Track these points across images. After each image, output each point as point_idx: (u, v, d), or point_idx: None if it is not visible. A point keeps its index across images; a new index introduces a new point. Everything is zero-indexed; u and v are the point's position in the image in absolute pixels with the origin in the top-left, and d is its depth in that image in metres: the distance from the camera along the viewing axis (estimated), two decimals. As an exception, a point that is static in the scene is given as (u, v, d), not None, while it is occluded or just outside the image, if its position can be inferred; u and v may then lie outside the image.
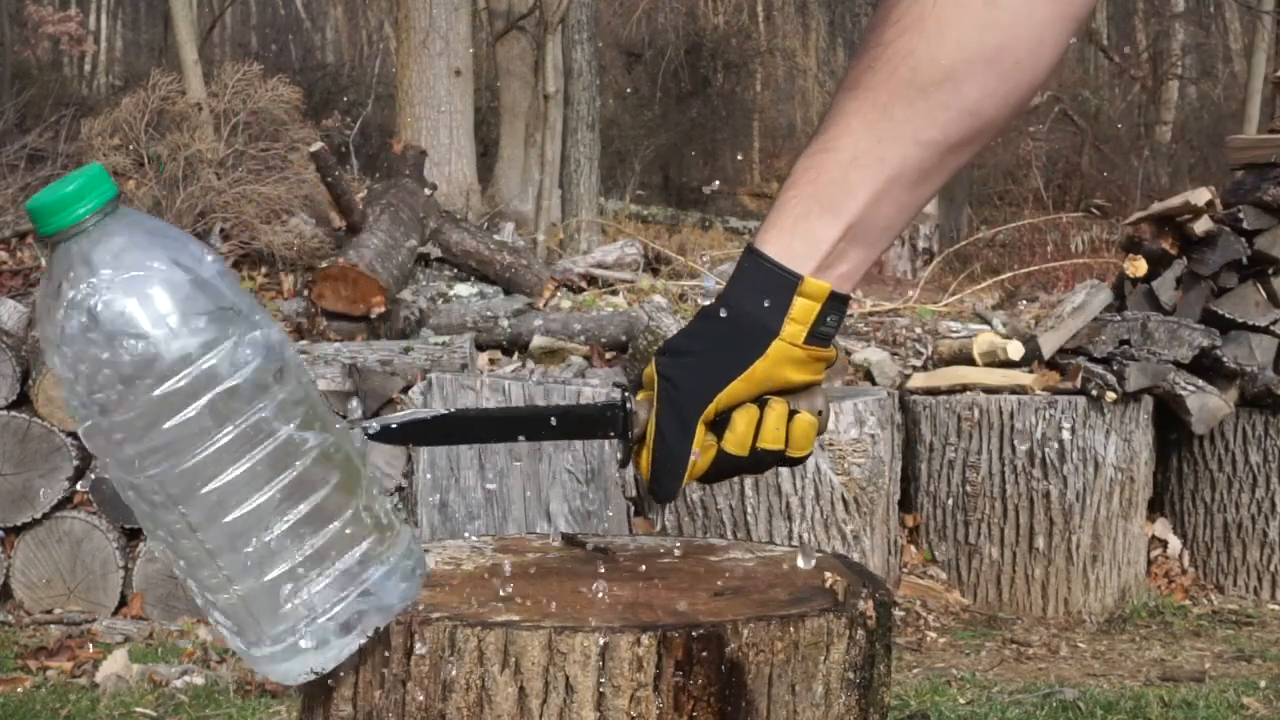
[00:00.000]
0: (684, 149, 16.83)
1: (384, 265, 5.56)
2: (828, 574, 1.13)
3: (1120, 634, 4.49)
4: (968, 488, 4.65)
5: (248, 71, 6.69)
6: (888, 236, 1.12)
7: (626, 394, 1.15)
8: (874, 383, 4.99)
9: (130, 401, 0.89)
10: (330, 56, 19.02)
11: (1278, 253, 4.94)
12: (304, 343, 5.15)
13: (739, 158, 17.82)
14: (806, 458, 1.14)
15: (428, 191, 6.55)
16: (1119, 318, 4.95)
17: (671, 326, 4.97)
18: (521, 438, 1.16)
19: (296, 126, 6.61)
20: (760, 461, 1.12)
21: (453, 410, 1.18)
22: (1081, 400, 4.63)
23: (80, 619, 4.25)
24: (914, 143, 1.07)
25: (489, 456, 4.37)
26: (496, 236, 6.84)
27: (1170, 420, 4.86)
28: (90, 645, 4.01)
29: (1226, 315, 4.92)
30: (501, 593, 1.07)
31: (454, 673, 0.96)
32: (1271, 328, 4.93)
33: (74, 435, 4.35)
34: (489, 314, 5.57)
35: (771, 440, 1.11)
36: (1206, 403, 4.75)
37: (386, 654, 0.99)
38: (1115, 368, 4.71)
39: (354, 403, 4.60)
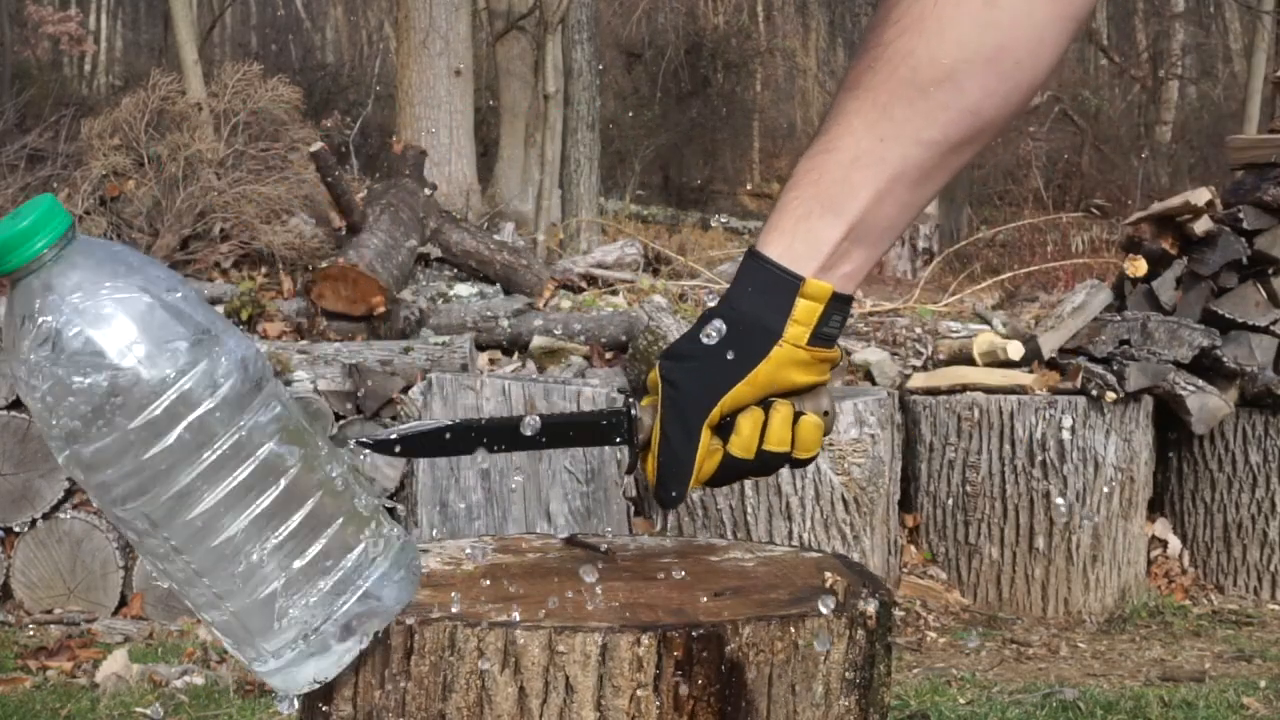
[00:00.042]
0: (684, 149, 16.84)
1: (384, 265, 5.56)
2: (828, 574, 1.13)
3: (1120, 634, 4.48)
4: (968, 488, 4.65)
5: (248, 71, 6.69)
6: (890, 236, 1.12)
7: (631, 400, 1.15)
8: (874, 383, 4.99)
9: (105, 434, 0.88)
10: (330, 56, 19.02)
11: (1278, 253, 4.94)
12: (304, 343, 5.15)
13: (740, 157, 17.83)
14: (814, 459, 1.14)
15: (428, 191, 6.55)
16: (1119, 318, 4.95)
17: (671, 326, 4.97)
18: (529, 448, 1.16)
19: (296, 126, 6.61)
20: (767, 464, 1.12)
21: (456, 421, 1.17)
22: (1081, 400, 4.63)
23: (80, 619, 4.25)
24: (915, 142, 1.07)
25: (490, 457, 4.36)
26: (496, 236, 6.84)
27: (1170, 420, 4.86)
28: (91, 644, 4.01)
29: (1226, 315, 4.92)
30: (497, 592, 1.07)
31: (454, 673, 0.96)
32: (1271, 328, 4.93)
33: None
34: (489, 314, 5.57)
35: (777, 442, 1.11)
36: (1206, 403, 4.75)
37: (387, 654, 0.99)
38: (1115, 368, 4.70)
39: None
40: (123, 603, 4.38)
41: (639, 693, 0.95)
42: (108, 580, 4.35)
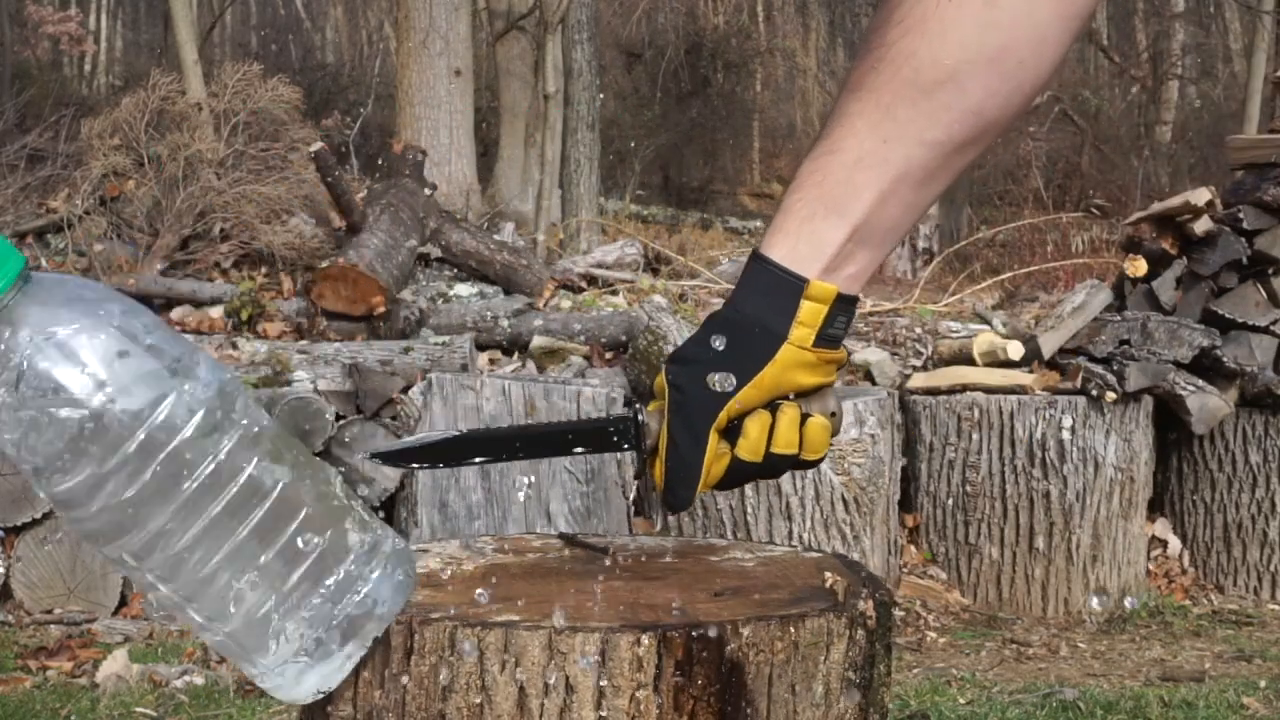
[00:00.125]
0: (684, 149, 16.84)
1: (384, 265, 5.56)
2: (828, 574, 1.13)
3: (1120, 634, 4.48)
4: (968, 488, 4.65)
5: (248, 71, 6.69)
6: (894, 237, 1.12)
7: (638, 405, 1.15)
8: (874, 383, 4.99)
9: (79, 473, 0.86)
10: (330, 56, 19.02)
11: (1278, 253, 4.94)
12: (304, 343, 5.15)
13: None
14: (821, 460, 1.14)
15: (428, 191, 6.55)
16: (1119, 318, 4.95)
17: (671, 326, 4.97)
18: (537, 456, 1.16)
19: (296, 126, 6.61)
20: (775, 467, 1.12)
21: (464, 431, 1.18)
22: (1081, 400, 4.63)
23: (80, 619, 4.25)
24: (918, 143, 1.07)
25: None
26: (496, 236, 6.84)
27: (1170, 420, 4.86)
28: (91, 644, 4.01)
29: (1226, 315, 4.92)
30: (486, 594, 1.07)
31: (454, 673, 0.96)
32: (1271, 328, 4.93)
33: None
34: (489, 314, 5.57)
35: (785, 445, 1.11)
36: (1206, 403, 4.75)
37: (387, 654, 0.99)
38: (1115, 368, 4.70)
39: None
40: (123, 603, 4.38)
41: (639, 693, 0.95)
42: (108, 580, 4.35)
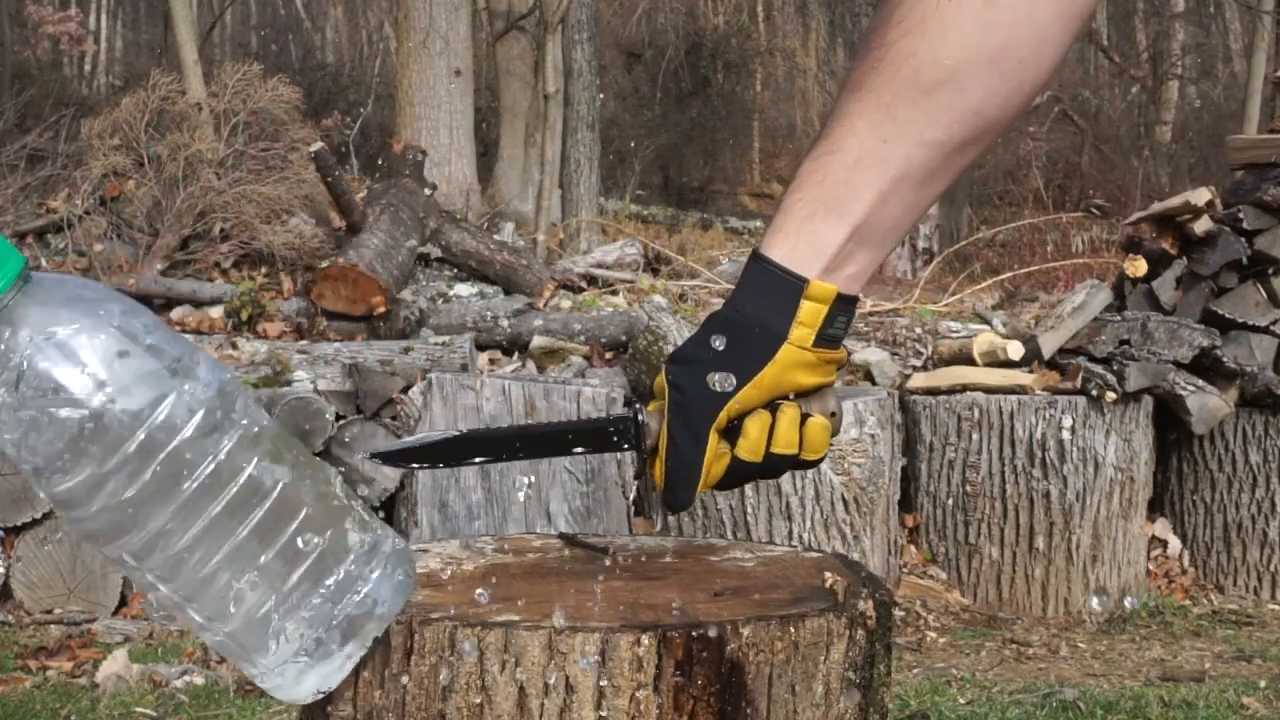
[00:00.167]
0: (684, 149, 16.83)
1: (384, 265, 5.56)
2: (828, 574, 1.13)
3: (1120, 634, 4.48)
4: (968, 488, 4.65)
5: (248, 71, 6.69)
6: (894, 237, 1.12)
7: (638, 406, 1.15)
8: (874, 383, 4.99)
9: (78, 472, 0.86)
10: (330, 56, 19.02)
11: (1278, 253, 4.94)
12: (304, 343, 5.15)
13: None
14: (821, 460, 1.14)
15: (428, 191, 6.55)
16: (1119, 318, 4.95)
17: (671, 326, 4.97)
18: (537, 456, 1.16)
19: (296, 126, 6.61)
20: (775, 467, 1.12)
21: (464, 431, 1.18)
22: (1081, 400, 4.63)
23: (80, 619, 4.25)
24: (918, 143, 1.07)
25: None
26: (496, 236, 6.84)
27: (1170, 420, 4.86)
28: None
29: (1226, 315, 4.92)
30: (486, 594, 1.07)
31: (454, 673, 0.96)
32: (1271, 328, 4.93)
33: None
34: (489, 314, 5.57)
35: (785, 445, 1.11)
36: (1206, 403, 4.75)
37: (387, 654, 0.99)
38: (1115, 368, 4.70)
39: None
40: (123, 603, 4.38)
41: (639, 693, 0.95)
42: (108, 580, 4.35)
